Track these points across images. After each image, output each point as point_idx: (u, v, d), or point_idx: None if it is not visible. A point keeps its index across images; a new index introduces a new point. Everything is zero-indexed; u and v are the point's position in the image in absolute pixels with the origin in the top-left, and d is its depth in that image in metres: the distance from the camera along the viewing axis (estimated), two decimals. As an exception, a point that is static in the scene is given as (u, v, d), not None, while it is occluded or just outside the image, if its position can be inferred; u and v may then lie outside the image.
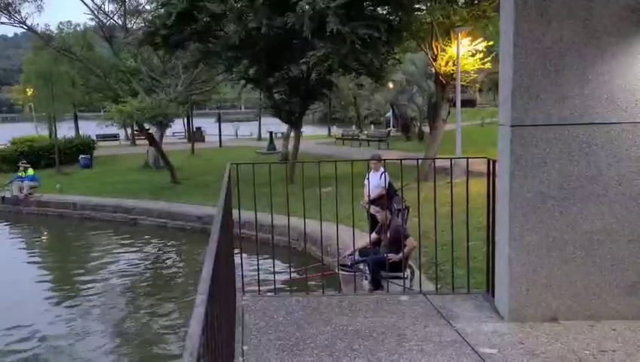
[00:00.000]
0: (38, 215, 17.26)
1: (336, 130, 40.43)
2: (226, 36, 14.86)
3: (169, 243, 13.64)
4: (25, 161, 19.19)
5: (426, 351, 4.12)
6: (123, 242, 13.81)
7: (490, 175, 4.97)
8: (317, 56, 13.06)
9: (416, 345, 4.24)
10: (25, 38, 57.01)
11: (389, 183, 8.32)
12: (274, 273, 6.42)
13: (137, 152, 28.73)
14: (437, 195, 5.52)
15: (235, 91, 33.64)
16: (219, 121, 36.30)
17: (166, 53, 18.13)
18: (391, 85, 29.62)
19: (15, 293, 9.91)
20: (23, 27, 19.05)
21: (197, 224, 14.22)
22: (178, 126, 36.43)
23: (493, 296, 4.94)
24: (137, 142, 35.99)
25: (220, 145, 33.96)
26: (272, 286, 5.85)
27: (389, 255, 6.31)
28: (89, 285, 10.42)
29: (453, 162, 6.81)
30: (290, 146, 19.02)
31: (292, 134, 20.18)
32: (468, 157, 5.56)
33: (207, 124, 42.86)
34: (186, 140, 37.06)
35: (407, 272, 6.50)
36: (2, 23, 18.50)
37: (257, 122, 42.24)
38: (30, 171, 18.45)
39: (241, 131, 44.29)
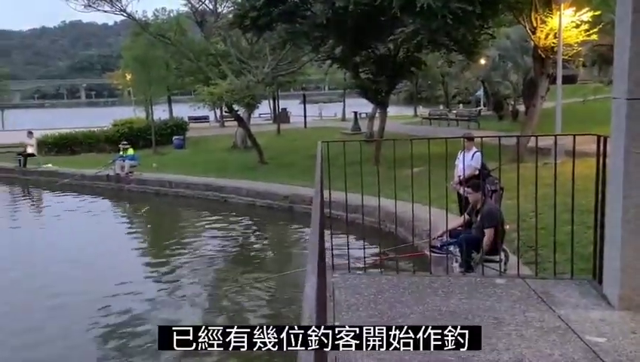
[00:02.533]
0: (137, 192, 18.28)
1: (422, 110, 39.47)
2: (313, 16, 14.84)
3: (257, 221, 13.99)
4: (125, 142, 20.38)
5: (526, 336, 3.92)
6: (214, 219, 14.30)
7: (600, 153, 4.60)
8: (405, 32, 12.71)
9: (515, 329, 4.05)
10: (124, 26, 60.22)
11: (482, 163, 7.99)
12: (364, 251, 6.40)
13: (226, 133, 29.68)
14: (533, 176, 5.19)
15: (320, 72, 33.71)
16: (304, 102, 36.64)
17: (254, 35, 18.43)
18: (483, 62, 28.21)
19: (113, 265, 10.60)
20: (123, 15, 20.04)
21: (283, 203, 14.49)
22: (264, 107, 37.15)
23: (600, 282, 4.61)
24: (226, 123, 37.17)
25: (305, 126, 34.30)
26: (361, 265, 5.82)
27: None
28: (181, 258, 10.86)
29: (553, 141, 6.38)
30: (376, 127, 18.80)
31: (377, 114, 19.95)
32: (575, 134, 5.16)
33: (291, 106, 43.44)
34: (271, 121, 37.76)
35: (502, 255, 6.22)
36: (105, 11, 19.56)
37: (342, 103, 42.21)
38: (130, 151, 19.56)
39: (326, 112, 44.47)
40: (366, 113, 30.19)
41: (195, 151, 24.70)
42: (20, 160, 21.88)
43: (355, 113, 30.72)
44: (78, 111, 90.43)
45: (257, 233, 13.21)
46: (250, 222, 13.91)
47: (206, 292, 8.91)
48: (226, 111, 28.54)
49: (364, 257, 6.36)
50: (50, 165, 21.88)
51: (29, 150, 22.14)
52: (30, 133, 22.83)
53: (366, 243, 7.52)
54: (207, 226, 13.73)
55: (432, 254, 6.77)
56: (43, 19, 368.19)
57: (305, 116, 35.25)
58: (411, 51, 14.59)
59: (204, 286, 9.22)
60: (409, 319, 4.27)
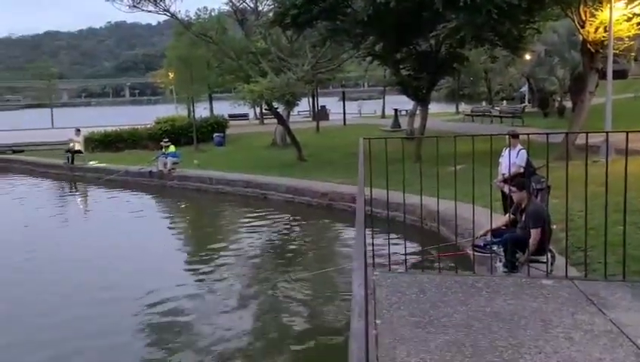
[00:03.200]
0: (179, 188, 18.63)
1: (464, 107, 38.80)
2: (354, 13, 14.77)
3: (295, 218, 14.02)
4: (167, 139, 20.77)
5: (575, 339, 3.79)
6: (253, 215, 14.39)
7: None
8: (448, 28, 12.50)
9: (562, 331, 3.92)
10: (167, 26, 61.54)
11: (528, 161, 7.78)
12: (405, 250, 6.31)
13: (265, 130, 29.89)
14: (581, 175, 5.00)
15: (360, 69, 33.58)
16: (343, 99, 36.57)
17: (294, 33, 18.50)
18: (528, 57, 27.43)
19: (156, 259, 10.81)
20: (166, 14, 20.40)
21: (322, 200, 14.48)
22: (303, 105, 37.27)
23: (655, 285, 4.41)
24: (265, 121, 37.51)
25: (344, 124, 34.26)
26: (402, 264, 5.75)
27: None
28: (221, 254, 10.98)
29: (604, 138, 6.15)
30: (416, 124, 18.57)
31: (417, 112, 19.72)
32: (628, 131, 4.94)
33: (330, 103, 43.41)
34: (310, 119, 37.87)
35: (548, 256, 6.04)
36: (149, 11, 19.95)
37: (381, 100, 41.95)
38: (172, 148, 19.93)
39: (365, 109, 44.28)
40: (406, 110, 29.93)
41: (234, 148, 24.99)
42: (68, 157, 22.60)
43: (395, 110, 30.48)
44: (122, 109, 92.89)
45: (296, 230, 13.25)
46: (289, 219, 13.96)
47: (244, 289, 8.95)
48: (265, 109, 28.78)
49: (405, 256, 6.27)
50: (96, 162, 22.54)
51: (77, 147, 22.86)
52: (77, 131, 23.57)
53: (407, 242, 7.41)
54: (246, 222, 13.83)
55: (475, 253, 6.64)
56: (90, 20, 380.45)
57: (344, 113, 35.21)
58: (454, 47, 14.34)
59: (243, 282, 9.27)
60: (453, 319, 4.19)
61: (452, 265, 6.71)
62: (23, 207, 16.48)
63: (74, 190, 20.67)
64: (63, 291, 9.03)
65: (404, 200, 5.76)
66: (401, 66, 16.87)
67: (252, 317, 7.84)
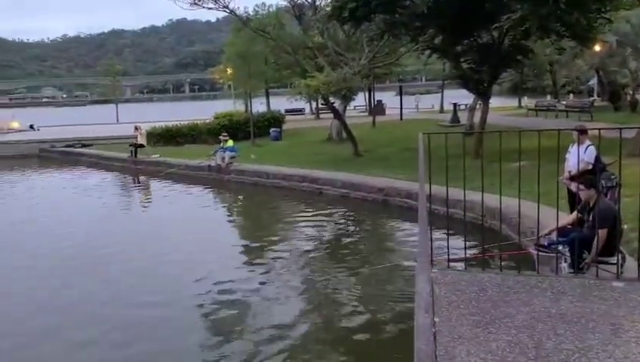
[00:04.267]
0: (236, 182, 18.95)
1: (527, 101, 37.42)
2: (413, 5, 14.52)
3: (351, 213, 13.97)
4: (226, 134, 21.20)
5: (649, 346, 3.56)
6: (309, 210, 14.45)
7: None
8: (512, 19, 12.03)
9: (635, 336, 3.70)
10: (225, 22, 62.79)
11: (597, 157, 7.40)
12: (465, 247, 6.16)
13: (321, 125, 29.94)
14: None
15: (418, 63, 33.01)
16: (400, 93, 36.15)
17: (352, 27, 18.40)
18: (597, 48, 26.03)
19: (213, 251, 11.04)
20: (225, 11, 20.78)
21: (378, 195, 14.37)
22: (359, 99, 37.09)
23: None
24: (321, 115, 37.57)
25: (401, 118, 33.84)
26: (461, 261, 5.61)
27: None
28: (276, 247, 11.09)
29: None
30: (476, 118, 18.08)
31: (478, 106, 19.20)
32: None
33: (387, 97, 42.96)
34: (366, 113, 37.63)
35: (619, 257, 5.73)
36: (209, 8, 20.38)
37: (439, 94, 41.16)
38: (230, 142, 20.32)
39: (422, 104, 43.62)
40: (465, 104, 29.21)
41: (291, 143, 25.16)
42: (131, 150, 23.49)
43: (455, 105, 29.81)
44: (182, 104, 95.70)
45: (351, 225, 13.21)
46: (344, 214, 13.93)
47: (299, 282, 8.99)
48: (322, 104, 28.82)
49: (465, 253, 6.13)
50: (157, 155, 23.29)
51: (139, 141, 23.71)
52: (136, 129, 24.43)
53: (467, 239, 7.24)
54: (302, 217, 13.89)
55: (539, 253, 6.38)
56: (152, 18, 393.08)
57: (401, 108, 34.79)
58: (517, 39, 13.82)
59: (298, 276, 9.31)
60: (515, 319, 4.04)
61: (513, 264, 6.48)
62: (91, 199, 17.23)
63: (136, 182, 21.44)
64: (123, 276, 9.38)
65: (464, 196, 5.62)
66: (461, 59, 16.45)
67: (306, 310, 7.87)
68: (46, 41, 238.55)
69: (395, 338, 6.73)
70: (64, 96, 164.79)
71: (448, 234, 5.80)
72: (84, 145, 28.99)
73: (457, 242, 6.90)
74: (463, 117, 26.14)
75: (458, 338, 3.80)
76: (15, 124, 39.57)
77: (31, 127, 40.12)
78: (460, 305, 4.40)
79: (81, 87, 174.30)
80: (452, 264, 5.82)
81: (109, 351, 6.80)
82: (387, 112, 38.03)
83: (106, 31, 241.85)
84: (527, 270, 6.26)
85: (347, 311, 7.70)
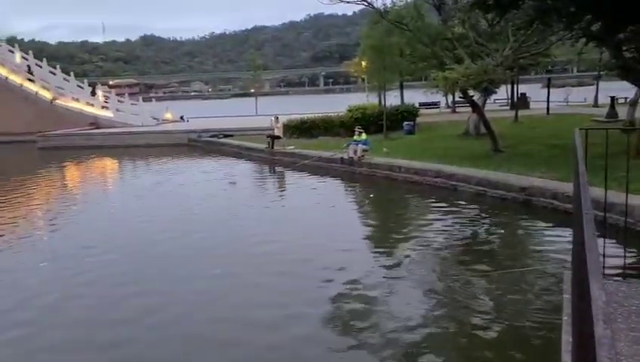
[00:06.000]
0: (368, 175, 18.86)
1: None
2: (569, -12, 13.23)
3: (487, 212, 13.23)
4: (359, 127, 21.21)
5: None
6: (442, 206, 13.94)
7: None
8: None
9: None
10: (361, 16, 63.14)
11: None
12: (624, 256, 5.46)
13: (458, 119, 28.89)
14: None
15: (570, 53, 30.33)
16: (548, 86, 33.62)
17: (496, 15, 17.31)
18: None
19: (341, 243, 10.99)
20: (363, 4, 20.72)
21: (518, 195, 13.45)
22: (500, 93, 35.22)
23: None
24: (458, 109, 36.25)
25: (547, 113, 31.47)
26: (619, 270, 4.93)
27: None
28: (406, 244, 10.78)
29: None
30: (637, 113, 16.13)
31: (640, 100, 17.12)
32: None
33: (532, 90, 40.34)
34: (508, 107, 35.62)
35: None
36: (347, 2, 20.44)
37: (593, 86, 37.60)
38: (363, 136, 20.28)
39: (573, 97, 40.22)
40: (625, 98, 26.32)
41: (424, 137, 24.55)
42: (268, 142, 24.48)
43: (612, 98, 26.98)
44: (316, 98, 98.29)
45: (487, 225, 12.48)
46: (479, 213, 13.22)
47: (429, 281, 8.66)
48: (460, 97, 27.75)
49: (625, 262, 5.39)
50: (292, 147, 23.99)
51: (276, 133, 24.62)
52: (276, 119, 25.39)
53: (626, 248, 6.40)
54: (434, 213, 13.45)
55: None
56: (292, 13, 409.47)
57: (548, 101, 32.33)
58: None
59: (428, 274, 8.98)
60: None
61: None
62: (236, 188, 18.23)
63: (272, 172, 22.29)
64: (249, 262, 9.65)
65: (626, 200, 4.94)
66: (623, 48, 14.71)
67: (435, 310, 7.55)
68: (196, 38, 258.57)
69: (538, 348, 6.15)
70: (209, 90, 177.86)
71: (605, 242, 5.10)
72: (226, 136, 30.84)
73: (613, 250, 6.15)
74: (621, 112, 23.58)
75: (615, 354, 3.23)
76: (168, 115, 43.36)
77: (181, 118, 43.75)
78: (618, 319, 3.84)
79: (225, 81, 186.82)
80: (607, 273, 5.16)
81: (248, 331, 6.97)
82: (531, 106, 35.70)
83: (249, 27, 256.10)
84: None
85: (479, 316, 7.23)
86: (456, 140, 22.48)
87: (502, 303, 7.58)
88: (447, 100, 40.05)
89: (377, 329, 6.99)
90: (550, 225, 11.57)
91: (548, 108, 32.01)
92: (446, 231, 11.77)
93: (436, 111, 37.99)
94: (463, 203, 14.02)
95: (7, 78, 43.77)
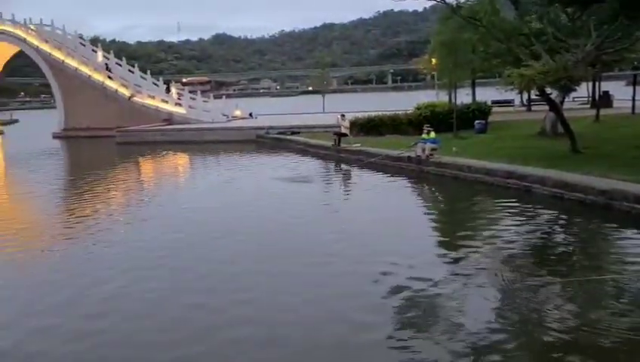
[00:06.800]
0: (436, 175, 18.42)
1: None
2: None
3: (563, 216, 12.62)
4: (428, 125, 20.77)
5: None
6: (514, 209, 13.37)
7: None
8: None
9: None
10: (432, 11, 61.90)
11: None
12: None
13: (532, 118, 27.77)
14: None
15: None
16: (634, 83, 31.58)
17: (577, 9, 16.45)
18: None
19: (404, 242, 10.85)
20: (435, 0, 20.23)
21: (599, 198, 12.70)
22: (580, 90, 33.53)
23: None
24: (533, 108, 34.81)
25: (633, 112, 29.61)
26: None
27: None
28: (473, 245, 10.38)
29: None
30: None
31: None
32: None
33: (615, 88, 38.15)
34: (588, 106, 33.83)
35: None
36: (417, -2, 20.03)
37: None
38: (432, 134, 19.82)
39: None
40: None
41: (496, 136, 23.72)
42: (335, 139, 24.46)
43: None
44: (384, 95, 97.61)
45: (562, 229, 11.86)
46: (555, 217, 12.63)
47: (497, 285, 8.31)
48: (536, 95, 26.62)
49: None
50: (358, 144, 23.84)
51: (343, 130, 24.56)
52: (342, 116, 25.34)
53: None
54: (505, 216, 12.93)
55: None
56: (361, 11, 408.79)
57: (633, 100, 30.30)
58: None
59: (496, 278, 8.61)
60: None
61: None
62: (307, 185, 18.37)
63: (338, 169, 22.25)
64: (298, 262, 9.70)
65: None
66: None
67: (502, 318, 7.19)
68: (266, 37, 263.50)
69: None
70: (278, 87, 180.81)
71: None
72: (293, 133, 31.12)
73: None
74: None
75: None
76: (238, 112, 44.36)
77: (250, 115, 44.63)
78: None
79: (293, 79, 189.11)
80: None
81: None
82: (615, 105, 33.77)
83: (317, 25, 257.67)
84: None
85: (554, 327, 6.78)
86: (530, 140, 21.58)
87: (578, 313, 7.15)
88: (521, 98, 38.62)
89: (435, 336, 6.80)
90: (634, 231, 10.87)
91: (633, 107, 30.03)
92: (517, 234, 11.28)
93: (510, 109, 36.69)
94: (538, 206, 13.42)
95: (89, 76, 46.29)
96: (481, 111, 27.90)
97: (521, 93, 33.57)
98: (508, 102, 36.58)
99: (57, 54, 47.67)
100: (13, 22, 50.06)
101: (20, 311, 8.22)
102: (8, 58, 55.78)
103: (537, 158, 16.69)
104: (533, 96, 33.58)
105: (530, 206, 13.42)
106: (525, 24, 19.74)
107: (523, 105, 38.27)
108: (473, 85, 34.89)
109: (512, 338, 6.68)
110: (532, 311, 7.30)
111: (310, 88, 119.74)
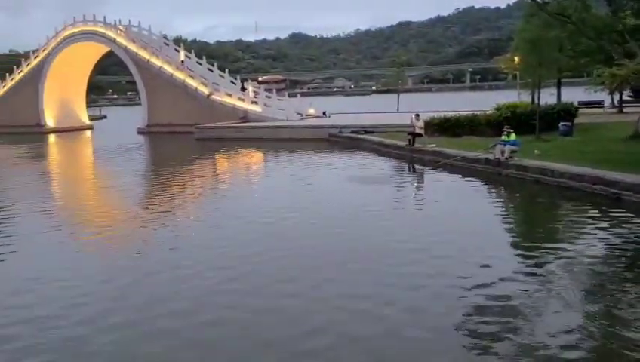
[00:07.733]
0: (516, 178, 17.59)
1: None
2: None
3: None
4: (509, 126, 19.87)
5: None
6: (600, 217, 12.54)
7: None
8: None
9: None
10: (516, 8, 59.58)
11: None
12: None
13: (625, 120, 26.01)
14: None
15: None
16: None
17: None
18: None
19: (485, 248, 10.39)
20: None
21: (701, 210, 11.59)
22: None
23: None
24: (625, 109, 32.61)
25: None
26: None
27: None
28: (554, 254, 9.82)
29: None
30: None
31: None
32: None
33: None
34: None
35: None
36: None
37: None
38: (512, 136, 18.96)
39: None
40: None
41: (583, 139, 22.37)
42: (409, 139, 23.99)
43: None
44: (461, 95, 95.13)
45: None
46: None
47: (578, 296, 7.84)
48: (629, 95, 24.98)
49: None
50: (434, 145, 23.24)
51: (417, 130, 24.04)
52: (417, 116, 24.79)
53: None
54: (590, 223, 12.11)
55: None
56: (439, 8, 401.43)
57: None
58: None
59: (578, 287, 8.15)
60: None
61: None
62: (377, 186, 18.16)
63: (411, 170, 21.78)
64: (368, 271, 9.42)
65: None
66: None
67: (581, 327, 6.80)
68: (341, 35, 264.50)
69: None
70: (352, 86, 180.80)
71: None
72: (366, 132, 30.86)
73: None
74: None
75: None
76: (311, 111, 44.68)
77: (323, 113, 44.81)
78: None
79: (367, 78, 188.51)
80: None
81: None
82: None
83: (394, 23, 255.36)
84: None
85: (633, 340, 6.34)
86: (621, 144, 20.16)
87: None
88: (612, 99, 36.28)
89: (516, 334, 6.61)
90: None
91: None
92: (604, 243, 10.58)
93: (599, 111, 34.53)
94: (629, 214, 12.49)
95: (172, 74, 48.26)
96: (566, 112, 26.45)
97: (612, 93, 31.55)
98: (597, 104, 34.47)
99: (143, 54, 50.07)
100: (105, 23, 53.06)
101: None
102: (99, 57, 59.17)
103: (629, 163, 15.61)
104: (625, 97, 31.48)
105: (619, 214, 12.51)
106: (619, 20, 18.56)
107: (614, 106, 35.94)
108: (559, 85, 33.19)
109: (589, 345, 6.38)
110: (609, 323, 6.94)
111: (385, 87, 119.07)
